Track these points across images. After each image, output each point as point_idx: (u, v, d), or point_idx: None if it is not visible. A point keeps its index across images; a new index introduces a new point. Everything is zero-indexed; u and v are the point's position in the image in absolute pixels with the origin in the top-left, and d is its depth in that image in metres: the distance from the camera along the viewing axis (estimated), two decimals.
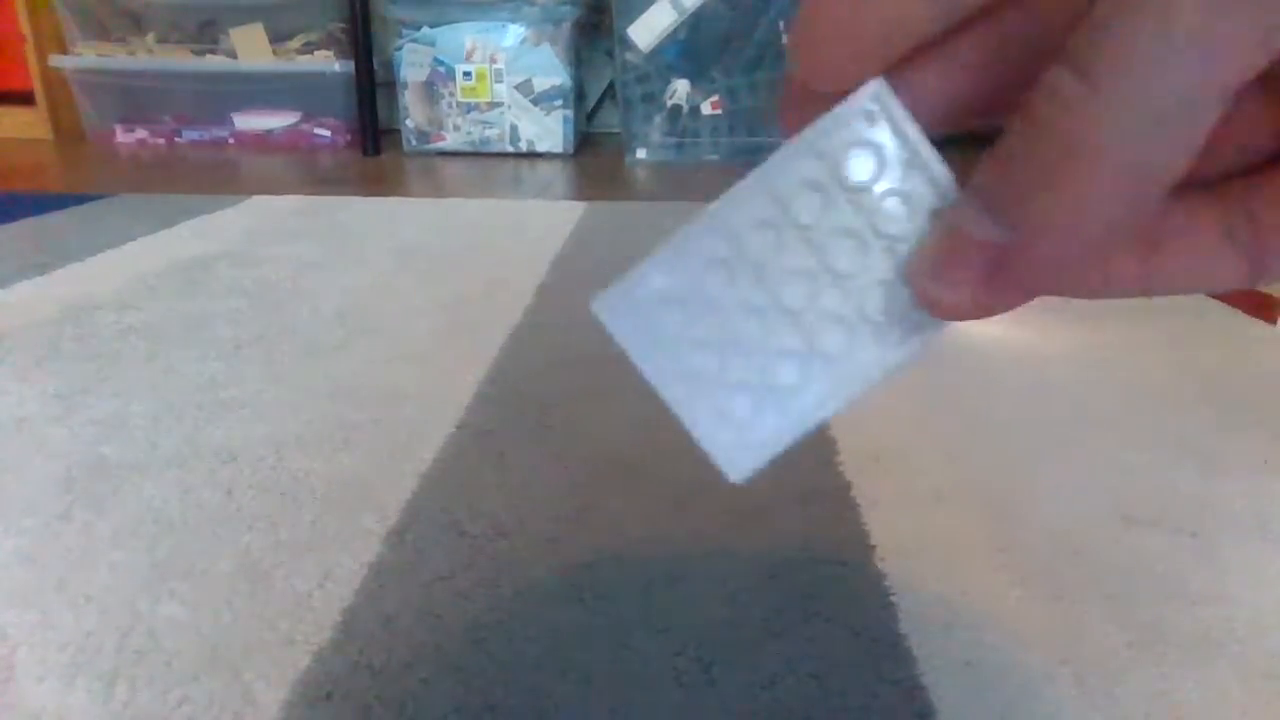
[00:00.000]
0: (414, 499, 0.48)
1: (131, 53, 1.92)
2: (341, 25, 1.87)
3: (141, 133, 1.96)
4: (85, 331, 0.74)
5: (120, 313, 0.79)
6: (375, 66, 1.78)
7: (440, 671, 0.35)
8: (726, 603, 0.40)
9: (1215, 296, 0.84)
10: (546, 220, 1.18)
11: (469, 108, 1.79)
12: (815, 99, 0.16)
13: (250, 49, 1.89)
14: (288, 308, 0.80)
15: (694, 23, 1.68)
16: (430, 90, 1.79)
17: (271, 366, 0.67)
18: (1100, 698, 0.34)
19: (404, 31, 1.76)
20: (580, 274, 0.93)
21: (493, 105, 1.79)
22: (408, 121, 1.82)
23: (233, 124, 1.96)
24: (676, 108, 1.73)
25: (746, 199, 0.17)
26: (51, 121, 1.99)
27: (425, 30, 1.75)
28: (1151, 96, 0.12)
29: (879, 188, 0.16)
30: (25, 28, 1.90)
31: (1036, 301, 0.16)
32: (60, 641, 0.37)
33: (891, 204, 0.16)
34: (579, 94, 1.88)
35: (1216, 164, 0.16)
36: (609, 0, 1.69)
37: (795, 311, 0.17)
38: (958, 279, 0.15)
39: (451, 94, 1.78)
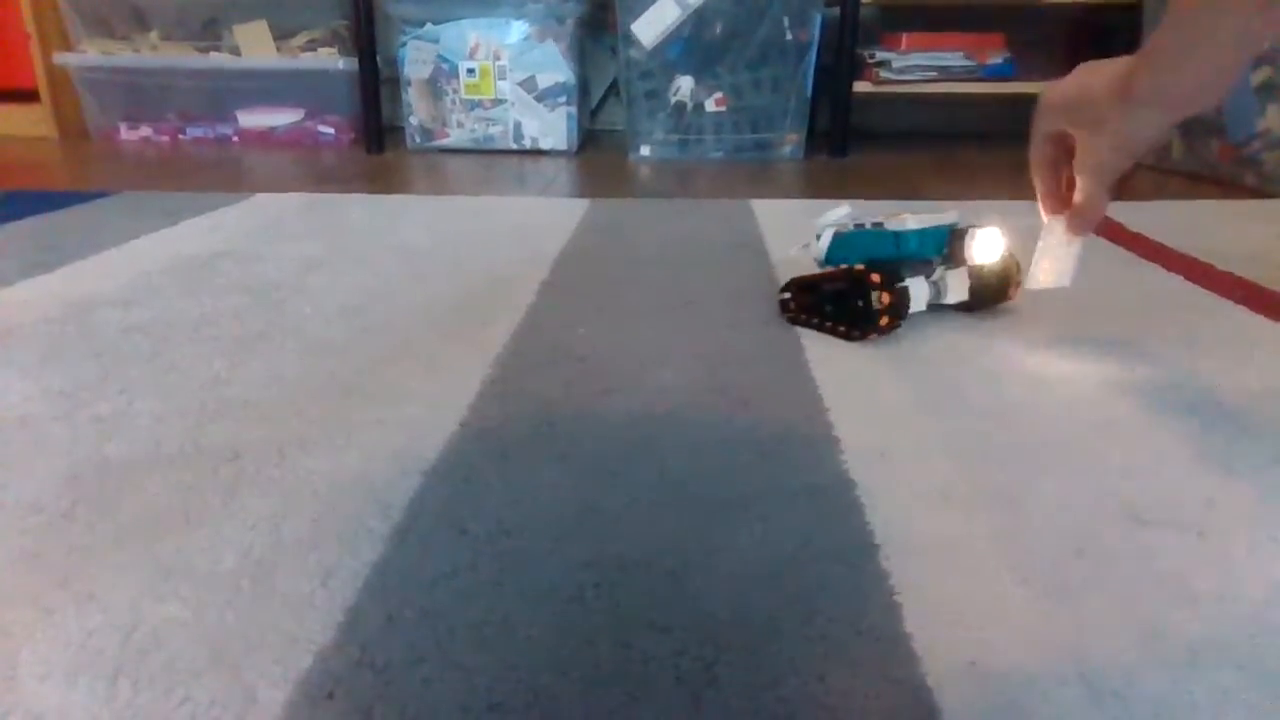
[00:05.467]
0: (417, 497, 0.48)
1: (135, 50, 1.92)
2: (345, 22, 1.87)
3: (145, 130, 1.96)
4: (89, 329, 0.74)
5: (124, 310, 0.79)
6: (379, 63, 1.78)
7: (443, 671, 0.35)
8: (729, 602, 0.40)
9: (1225, 296, 0.84)
10: (550, 218, 1.18)
11: (472, 105, 1.79)
12: None
13: (254, 46, 1.89)
14: (291, 305, 0.80)
15: (698, 19, 1.67)
16: (434, 87, 1.79)
17: (274, 364, 0.67)
18: (1107, 698, 0.34)
19: (407, 28, 1.76)
20: (583, 271, 0.92)
21: (496, 102, 1.78)
22: (411, 119, 1.82)
23: (236, 121, 1.96)
24: (680, 105, 1.73)
25: None
26: (55, 119, 1.99)
27: (429, 27, 1.75)
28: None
29: None
30: (29, 25, 1.91)
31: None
32: (63, 640, 0.37)
33: None
34: (583, 91, 1.88)
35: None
36: None
37: None
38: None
39: (455, 91, 1.78)
